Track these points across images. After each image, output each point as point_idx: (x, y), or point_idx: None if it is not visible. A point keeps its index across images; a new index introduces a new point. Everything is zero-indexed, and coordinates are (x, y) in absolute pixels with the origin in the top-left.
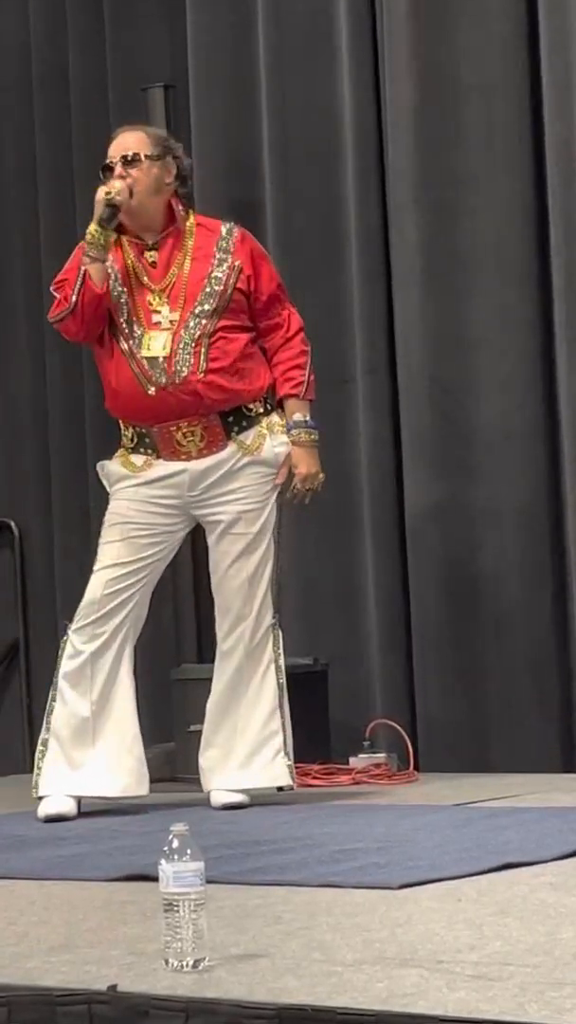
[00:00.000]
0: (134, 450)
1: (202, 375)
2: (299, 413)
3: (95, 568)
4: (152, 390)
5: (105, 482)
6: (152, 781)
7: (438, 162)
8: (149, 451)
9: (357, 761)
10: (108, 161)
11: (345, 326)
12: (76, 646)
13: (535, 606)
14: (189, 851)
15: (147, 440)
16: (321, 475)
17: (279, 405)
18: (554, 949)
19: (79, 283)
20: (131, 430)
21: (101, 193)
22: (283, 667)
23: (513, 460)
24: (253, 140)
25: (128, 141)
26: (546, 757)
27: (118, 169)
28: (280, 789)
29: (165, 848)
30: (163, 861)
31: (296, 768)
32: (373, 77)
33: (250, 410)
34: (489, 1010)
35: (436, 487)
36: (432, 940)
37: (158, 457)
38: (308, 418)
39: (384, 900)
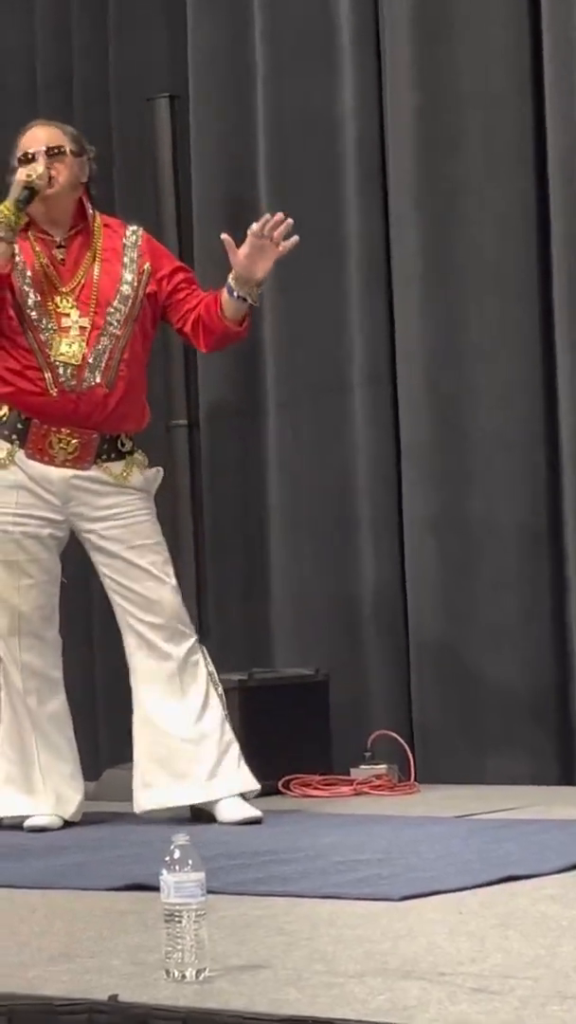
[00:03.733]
0: None
1: (109, 389)
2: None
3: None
4: (55, 393)
5: None
6: None
7: (439, 170)
8: (14, 437)
9: (358, 772)
10: (27, 151)
11: (345, 335)
12: (10, 672)
13: (533, 618)
14: (191, 861)
15: (18, 427)
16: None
17: (215, 302)
18: (555, 962)
19: None
20: (5, 410)
21: (22, 175)
22: (217, 680)
23: (513, 471)
24: (253, 148)
25: (49, 134)
26: (544, 770)
27: (42, 159)
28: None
29: (167, 858)
30: (164, 871)
31: (298, 779)
32: (374, 85)
33: (124, 445)
34: (490, 1023)
35: (435, 497)
36: (433, 952)
37: (21, 447)
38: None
39: (386, 912)
